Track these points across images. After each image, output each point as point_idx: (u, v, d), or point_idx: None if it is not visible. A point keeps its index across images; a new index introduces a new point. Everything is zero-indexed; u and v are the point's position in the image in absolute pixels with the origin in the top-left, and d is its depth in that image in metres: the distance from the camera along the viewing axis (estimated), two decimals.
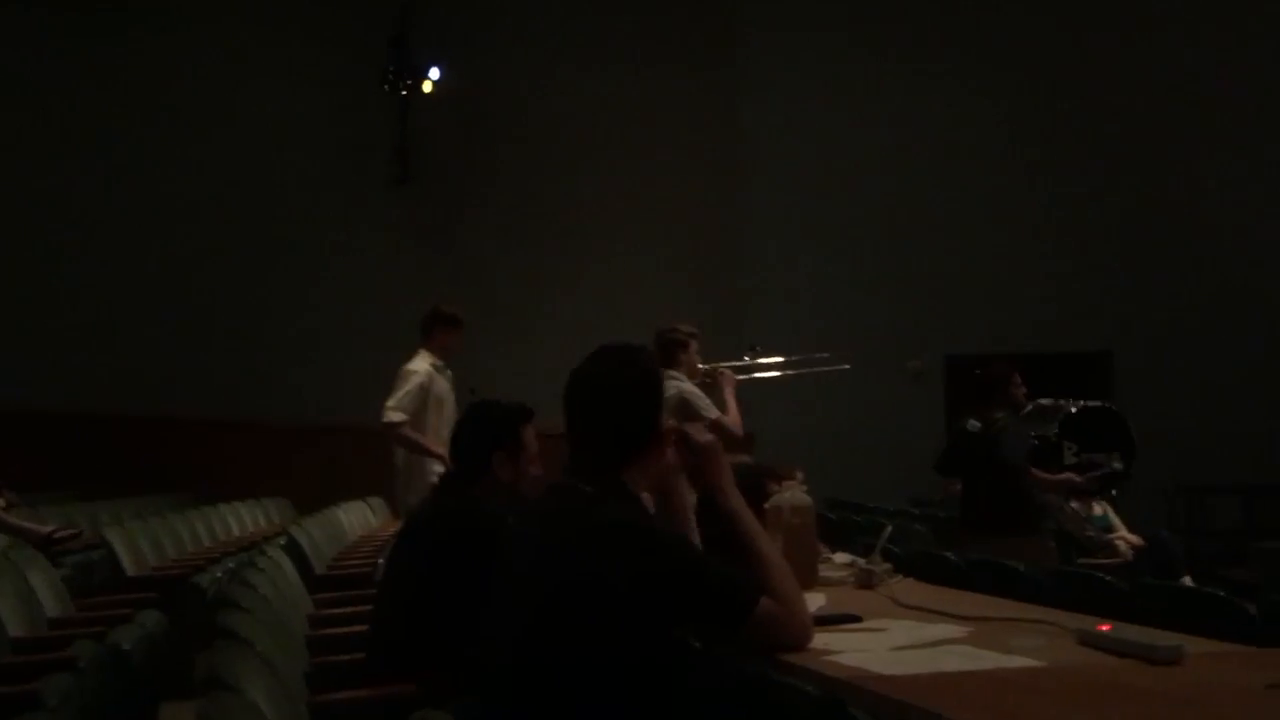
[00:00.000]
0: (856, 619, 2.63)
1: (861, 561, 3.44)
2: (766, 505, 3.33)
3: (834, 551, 3.94)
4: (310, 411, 11.07)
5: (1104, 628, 2.31)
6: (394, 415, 5.69)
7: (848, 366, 7.08)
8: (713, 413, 5.53)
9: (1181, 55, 10.96)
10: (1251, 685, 1.90)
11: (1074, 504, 7.70)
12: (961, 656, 2.23)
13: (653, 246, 11.62)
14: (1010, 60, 11.28)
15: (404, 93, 11.62)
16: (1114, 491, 6.61)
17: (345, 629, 3.67)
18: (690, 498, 2.42)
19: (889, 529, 3.45)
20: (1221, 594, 3.33)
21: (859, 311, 11.27)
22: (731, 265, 11.73)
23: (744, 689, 2.02)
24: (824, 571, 3.39)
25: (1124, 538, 7.60)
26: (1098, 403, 7.32)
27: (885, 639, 2.43)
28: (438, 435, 5.60)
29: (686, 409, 5.43)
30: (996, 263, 11.19)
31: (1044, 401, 7.00)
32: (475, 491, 3.10)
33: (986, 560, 4.52)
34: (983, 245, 11.24)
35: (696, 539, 2.40)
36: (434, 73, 11.60)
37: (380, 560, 4.70)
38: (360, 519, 7.84)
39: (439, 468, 5.35)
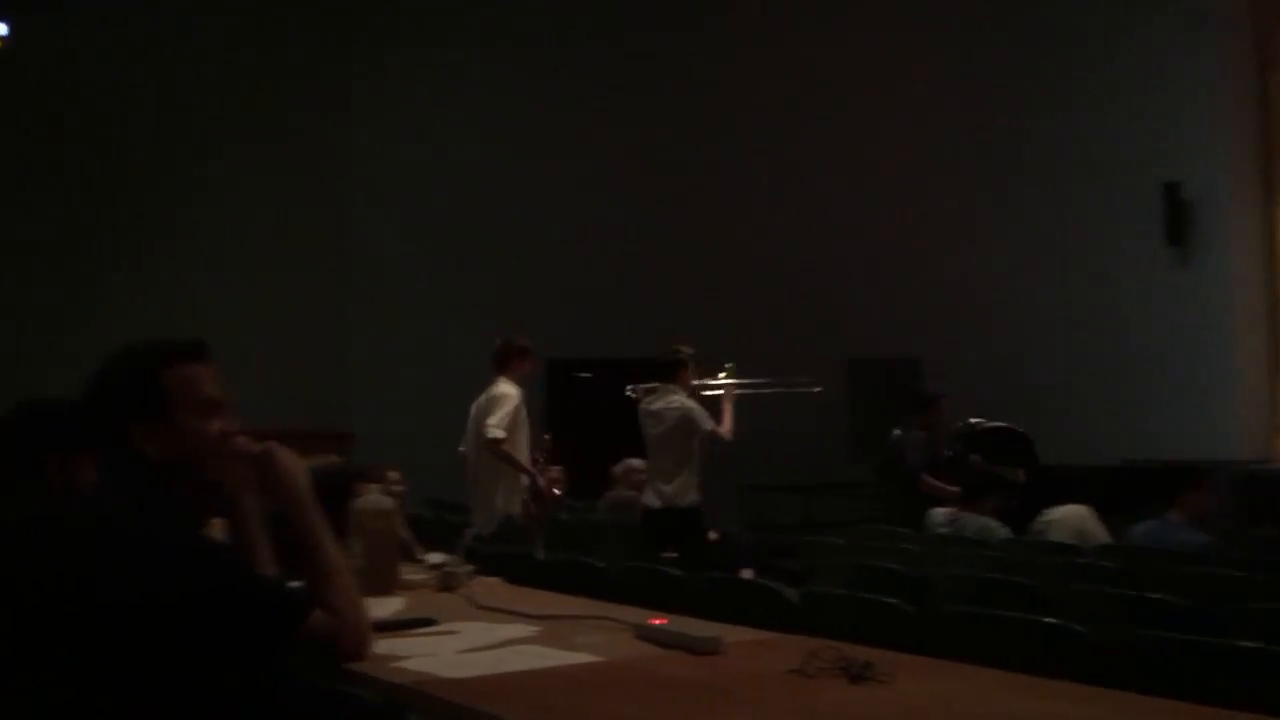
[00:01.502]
0: (431, 622, 2.65)
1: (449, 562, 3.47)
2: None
3: (429, 552, 3.96)
4: None
5: (659, 622, 2.48)
6: (497, 433, 6.15)
7: (819, 389, 8.21)
8: (709, 424, 6.26)
9: (760, 75, 11.96)
10: (776, 670, 2.11)
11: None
12: (527, 656, 2.31)
13: (244, 240, 11.08)
14: (611, 74, 11.83)
15: None
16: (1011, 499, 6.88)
17: None
18: None
19: (472, 530, 3.50)
20: (768, 584, 3.68)
21: (462, 313, 11.39)
22: (331, 263, 11.46)
23: (300, 701, 1.97)
24: (406, 575, 3.39)
25: None
26: (1001, 424, 8.42)
27: (456, 642, 2.47)
28: (522, 452, 6.35)
29: (688, 422, 6.23)
30: (597, 270, 11.68)
31: (972, 420, 8.50)
32: (22, 496, 2.81)
33: (570, 559, 4.71)
34: (584, 253, 11.69)
35: (265, 553, 2.31)
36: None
37: None
38: None
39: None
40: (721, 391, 6.68)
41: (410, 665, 2.19)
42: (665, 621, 2.49)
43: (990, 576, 4.30)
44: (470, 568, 3.40)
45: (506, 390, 6.35)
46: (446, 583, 3.28)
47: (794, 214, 11.99)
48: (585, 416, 11.69)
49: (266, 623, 1.98)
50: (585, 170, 11.75)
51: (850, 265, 12.01)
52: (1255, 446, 10.02)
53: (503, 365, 6.48)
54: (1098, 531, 5.70)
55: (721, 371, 6.83)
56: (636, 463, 8.34)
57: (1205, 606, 3.59)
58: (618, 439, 10.04)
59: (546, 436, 6.72)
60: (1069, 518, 5.72)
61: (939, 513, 6.07)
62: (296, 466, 2.27)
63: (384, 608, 2.82)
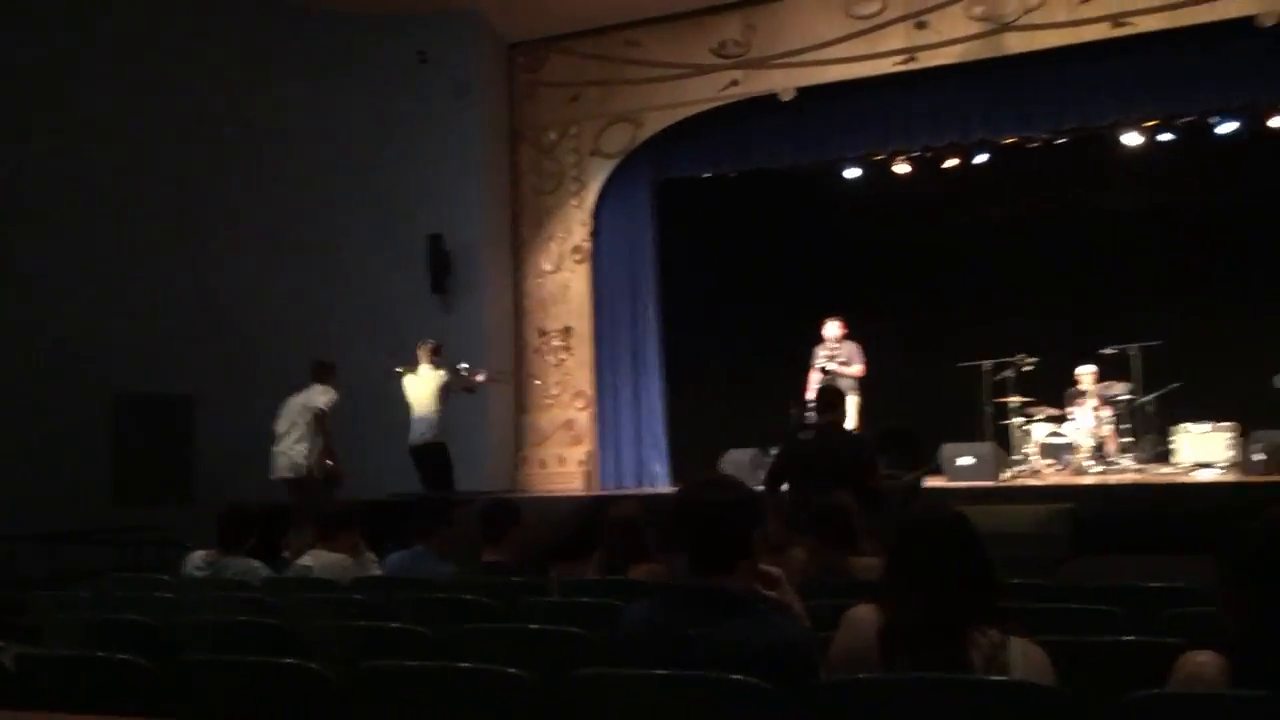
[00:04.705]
0: None
1: None
2: None
3: None
4: None
5: None
6: (324, 408, 8.97)
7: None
8: (461, 384, 9.61)
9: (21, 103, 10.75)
10: None
11: None
12: None
13: None
14: None
15: None
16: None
17: None
18: None
19: None
20: None
21: None
22: None
23: None
24: None
25: None
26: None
27: None
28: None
29: (447, 383, 9.45)
30: None
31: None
32: None
33: None
34: None
35: None
36: None
37: None
38: None
39: None
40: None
41: None
42: None
43: (241, 620, 4.21)
44: None
45: (330, 388, 9.04)
46: None
47: (56, 248, 10.85)
48: None
49: None
50: None
51: (118, 300, 11.20)
52: (502, 478, 11.13)
53: (321, 377, 9.08)
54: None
55: (462, 364, 9.78)
56: None
57: (442, 633, 3.84)
58: None
59: None
60: (332, 564, 5.70)
61: (196, 555, 5.80)
62: None
63: None
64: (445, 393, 9.48)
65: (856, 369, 10.14)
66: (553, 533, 7.59)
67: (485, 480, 10.26)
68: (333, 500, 8.33)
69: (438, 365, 9.54)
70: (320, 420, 8.90)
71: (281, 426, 9.10)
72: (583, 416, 11.64)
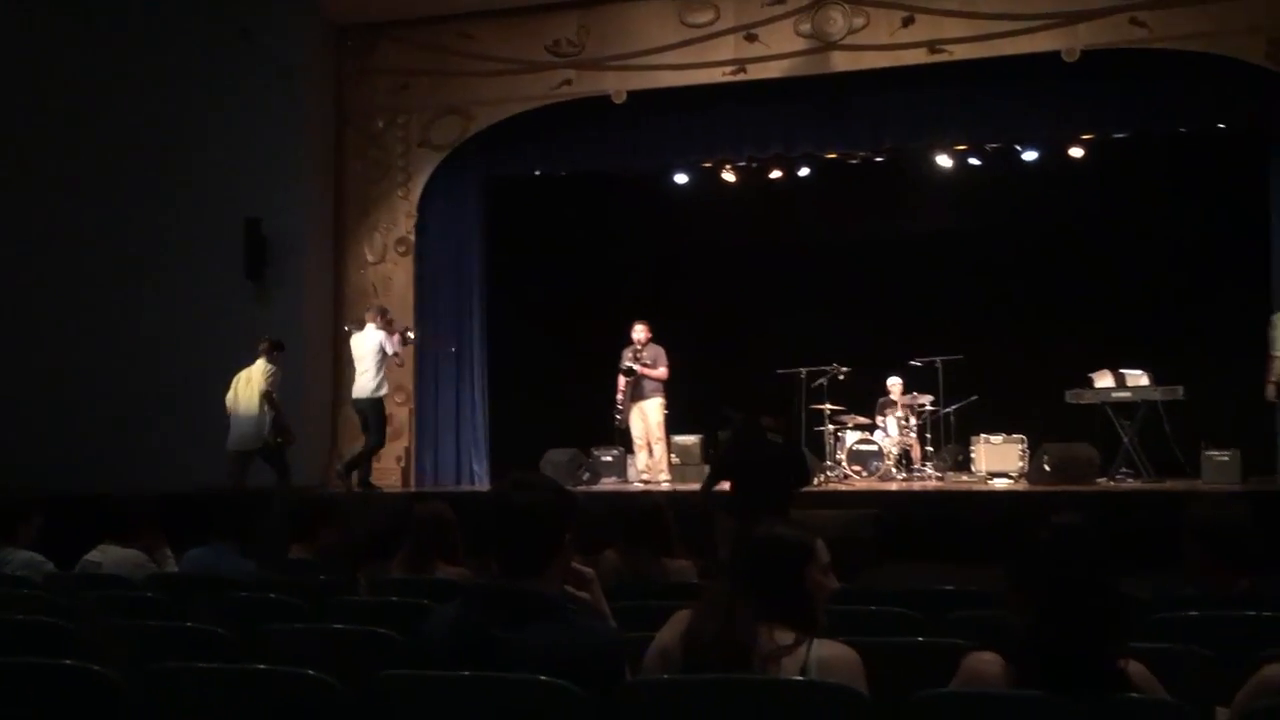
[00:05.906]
0: None
1: None
2: None
3: None
4: None
5: None
6: (270, 388, 9.62)
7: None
8: (392, 346, 10.25)
9: None
10: None
11: None
12: None
13: None
14: None
15: None
16: None
17: None
18: None
19: None
20: None
21: None
22: None
23: None
24: None
25: None
26: None
27: None
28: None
29: (384, 343, 10.16)
30: None
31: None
32: None
33: None
34: None
35: None
36: None
37: None
38: None
39: None
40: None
41: None
42: None
43: (17, 618, 3.94)
44: None
45: (274, 366, 9.62)
46: None
47: None
48: None
49: None
50: None
51: None
52: (316, 473, 10.82)
53: (269, 355, 9.66)
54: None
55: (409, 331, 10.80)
56: None
57: (241, 633, 3.68)
58: None
59: None
60: (124, 560, 5.40)
61: None
62: None
63: None
64: (384, 353, 10.24)
65: (660, 372, 10.30)
66: (365, 530, 7.43)
67: (298, 474, 9.94)
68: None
69: (380, 327, 10.25)
70: (268, 399, 9.56)
71: (230, 401, 9.72)
72: (402, 412, 11.41)
